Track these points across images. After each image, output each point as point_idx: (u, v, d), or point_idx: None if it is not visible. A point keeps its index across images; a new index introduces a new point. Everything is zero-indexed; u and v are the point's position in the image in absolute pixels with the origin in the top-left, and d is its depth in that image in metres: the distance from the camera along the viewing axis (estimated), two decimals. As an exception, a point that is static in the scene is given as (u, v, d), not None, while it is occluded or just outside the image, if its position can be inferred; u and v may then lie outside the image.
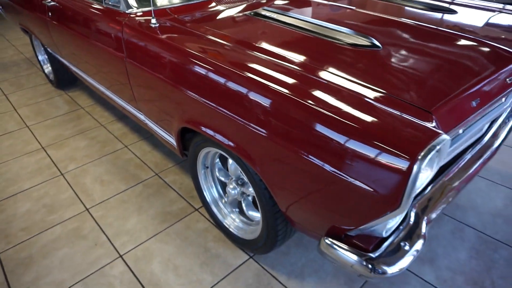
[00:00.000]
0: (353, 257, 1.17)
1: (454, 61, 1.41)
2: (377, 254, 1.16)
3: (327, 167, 1.11)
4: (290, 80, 1.26)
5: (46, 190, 2.37)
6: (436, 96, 1.18)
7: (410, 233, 1.23)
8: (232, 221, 1.89)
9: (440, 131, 1.01)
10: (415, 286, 1.69)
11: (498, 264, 1.78)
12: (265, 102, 1.24)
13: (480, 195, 2.20)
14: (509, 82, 1.38)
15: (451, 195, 1.39)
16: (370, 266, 1.13)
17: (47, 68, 3.75)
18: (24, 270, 1.83)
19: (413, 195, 1.04)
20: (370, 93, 1.18)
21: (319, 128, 1.11)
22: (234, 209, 1.93)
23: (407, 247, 1.18)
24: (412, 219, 1.27)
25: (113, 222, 2.10)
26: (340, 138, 1.06)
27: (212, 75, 1.42)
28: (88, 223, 2.10)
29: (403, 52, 1.47)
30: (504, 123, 1.76)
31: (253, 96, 1.28)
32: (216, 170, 1.89)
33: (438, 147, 0.97)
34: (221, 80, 1.39)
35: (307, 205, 1.28)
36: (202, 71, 1.46)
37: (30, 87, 3.81)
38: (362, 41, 1.54)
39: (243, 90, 1.31)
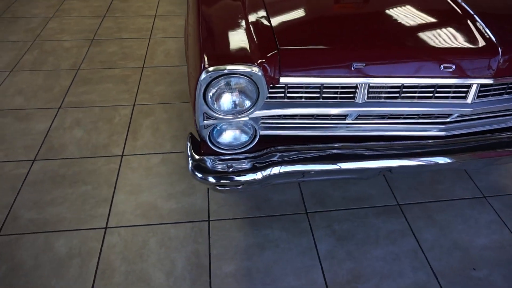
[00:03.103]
0: (188, 152, 1.33)
1: (393, 24, 1.22)
2: (204, 159, 1.30)
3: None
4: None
5: (132, 44, 3.06)
6: (307, 40, 1.11)
7: (248, 166, 1.29)
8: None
9: (252, 63, 1.02)
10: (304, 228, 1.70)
11: (393, 275, 1.58)
12: None
13: (473, 228, 1.81)
14: (443, 69, 1.10)
15: (331, 170, 1.31)
16: (190, 162, 1.29)
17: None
18: (83, 83, 2.59)
19: (215, 112, 1.12)
20: (258, 20, 1.19)
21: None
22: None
23: (228, 169, 1.27)
24: (262, 159, 1.30)
25: (149, 83, 2.64)
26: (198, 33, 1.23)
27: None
28: (135, 76, 2.70)
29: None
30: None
31: None
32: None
33: (230, 70, 1.00)
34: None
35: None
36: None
37: (187, -30, 4.51)
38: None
39: None
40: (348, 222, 1.81)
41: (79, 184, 1.94)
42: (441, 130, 1.40)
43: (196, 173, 1.27)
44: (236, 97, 1.09)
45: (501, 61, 1.12)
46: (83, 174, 1.99)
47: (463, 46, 1.14)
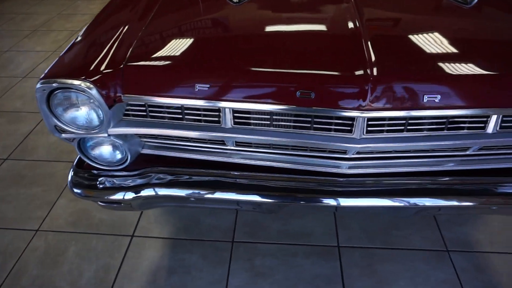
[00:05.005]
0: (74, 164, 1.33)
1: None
2: (82, 173, 1.28)
3: None
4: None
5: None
6: (158, 58, 1.05)
7: (125, 184, 1.24)
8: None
9: (87, 78, 0.98)
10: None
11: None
12: None
13: (420, 285, 1.53)
14: (299, 96, 0.94)
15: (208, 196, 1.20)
16: (70, 174, 1.28)
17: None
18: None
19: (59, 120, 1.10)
20: (128, 35, 1.17)
21: None
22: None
23: (100, 185, 1.23)
24: (136, 179, 1.24)
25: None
26: None
27: None
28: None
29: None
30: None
31: None
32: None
33: (59, 84, 0.99)
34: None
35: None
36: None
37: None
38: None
39: None
40: (272, 258, 1.65)
41: (33, 186, 2.04)
42: (350, 167, 1.22)
43: (72, 186, 1.26)
44: (81, 112, 1.06)
45: (372, 92, 0.93)
46: (40, 176, 2.10)
47: (326, 72, 0.97)
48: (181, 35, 1.16)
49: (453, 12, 1.20)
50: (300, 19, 1.20)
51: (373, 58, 0.98)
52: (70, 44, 1.16)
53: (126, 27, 1.19)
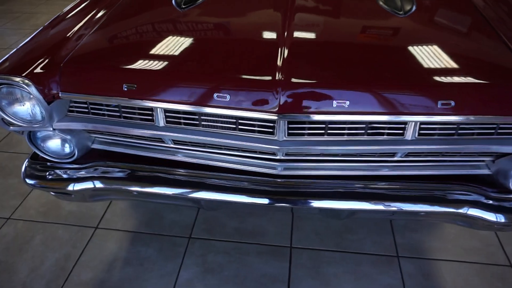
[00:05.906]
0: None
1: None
2: (33, 164, 1.36)
3: None
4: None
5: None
6: (97, 58, 1.12)
7: (72, 176, 1.32)
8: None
9: (21, 75, 1.07)
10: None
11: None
12: None
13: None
14: (217, 98, 1.00)
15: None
16: (24, 165, 1.37)
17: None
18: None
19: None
20: (77, 35, 1.25)
21: None
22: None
23: (49, 176, 1.31)
24: (85, 173, 1.32)
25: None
26: None
27: None
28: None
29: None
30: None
31: None
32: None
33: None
34: None
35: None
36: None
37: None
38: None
39: None
40: (225, 255, 1.70)
41: (11, 177, 2.15)
42: (285, 168, 1.27)
43: (24, 177, 1.35)
44: (24, 106, 1.14)
45: (282, 96, 0.98)
46: (19, 168, 2.18)
47: (239, 75, 1.02)
48: (122, 39, 1.24)
49: (384, 21, 1.24)
50: (234, 24, 1.26)
51: (285, 63, 1.03)
52: (23, 42, 1.25)
53: (76, 30, 1.27)
